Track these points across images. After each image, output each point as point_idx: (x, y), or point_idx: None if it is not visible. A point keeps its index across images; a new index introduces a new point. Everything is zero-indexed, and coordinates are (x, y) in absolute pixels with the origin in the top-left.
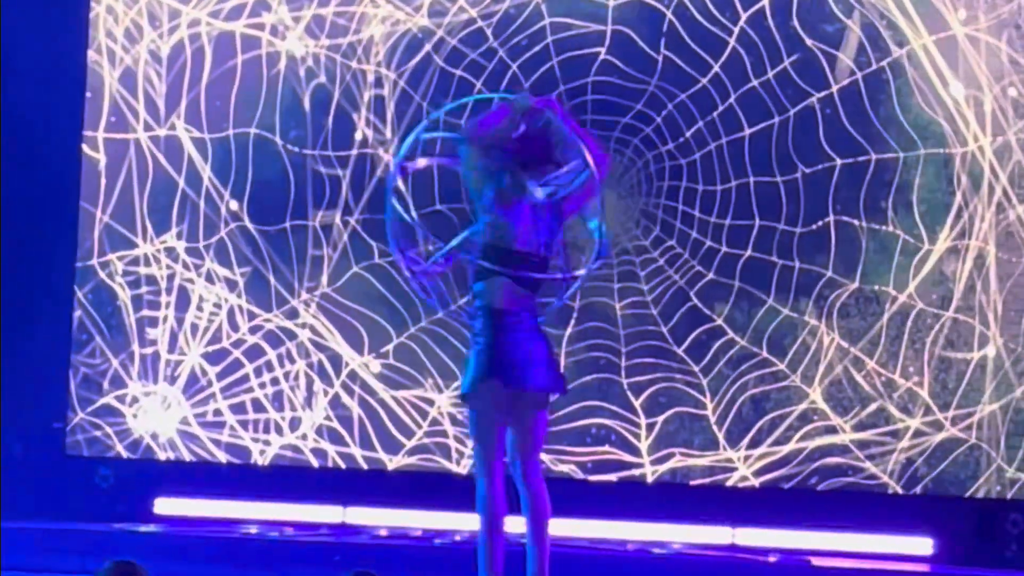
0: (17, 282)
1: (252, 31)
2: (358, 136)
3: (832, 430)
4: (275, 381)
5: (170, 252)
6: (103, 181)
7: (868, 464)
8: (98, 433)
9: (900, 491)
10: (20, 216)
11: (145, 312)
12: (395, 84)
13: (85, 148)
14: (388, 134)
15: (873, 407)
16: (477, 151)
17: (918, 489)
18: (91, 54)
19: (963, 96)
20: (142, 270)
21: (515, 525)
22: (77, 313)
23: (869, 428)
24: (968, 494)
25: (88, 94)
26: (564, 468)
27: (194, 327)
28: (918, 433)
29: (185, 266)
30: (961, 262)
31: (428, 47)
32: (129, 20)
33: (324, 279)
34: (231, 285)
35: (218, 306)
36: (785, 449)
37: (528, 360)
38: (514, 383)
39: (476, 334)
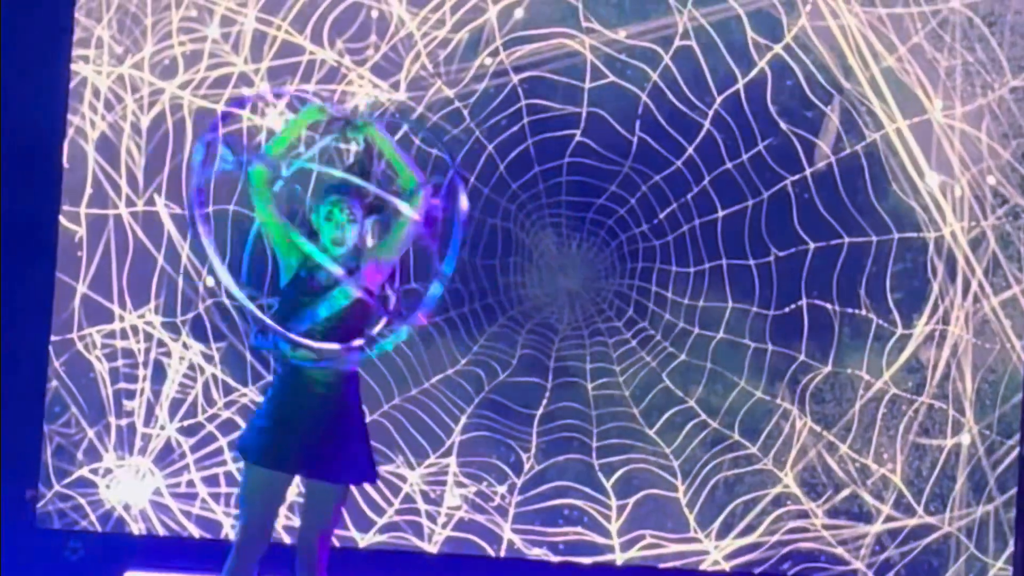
0: None
1: (232, 110)
2: None
3: (804, 515)
4: None
5: (147, 325)
6: (82, 253)
7: (840, 550)
8: (70, 504)
9: None
10: None
11: (122, 384)
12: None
13: (63, 220)
14: None
15: (846, 492)
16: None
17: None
18: (72, 122)
19: (937, 183)
20: (119, 343)
21: None
22: (52, 384)
23: (842, 514)
24: None
25: (67, 165)
26: (537, 550)
27: (171, 400)
28: (891, 519)
29: (160, 342)
30: (936, 348)
31: (405, 127)
32: (109, 91)
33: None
34: (207, 359)
35: (193, 379)
36: (757, 533)
37: None
38: None
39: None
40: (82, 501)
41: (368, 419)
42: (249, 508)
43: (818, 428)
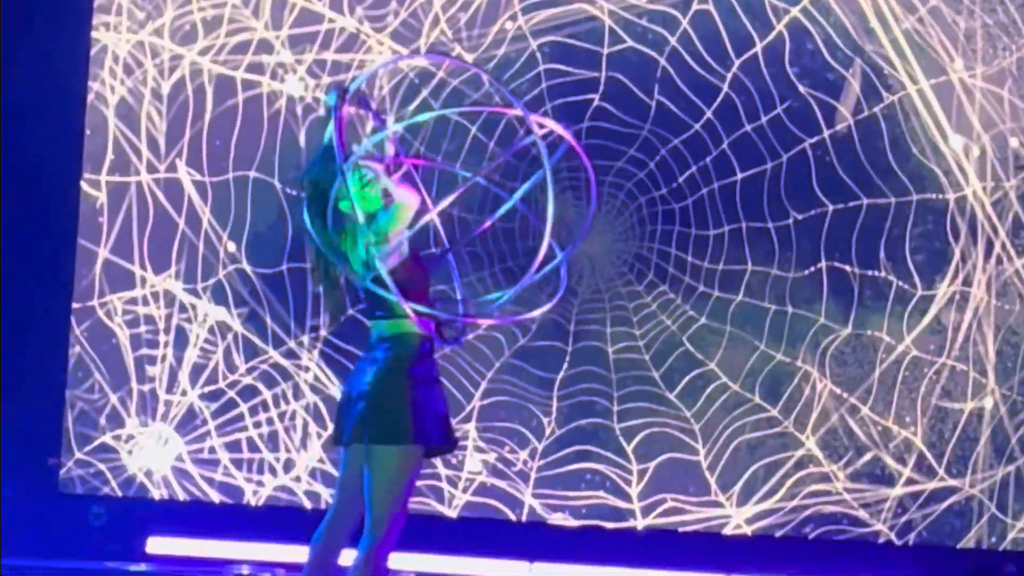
0: (13, 318)
1: (252, 76)
2: None
3: (826, 478)
4: (270, 421)
5: (167, 292)
6: (103, 219)
7: (862, 513)
8: (92, 470)
9: (894, 540)
10: (18, 250)
11: (144, 351)
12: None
13: (84, 186)
14: None
15: (869, 456)
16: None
17: (912, 539)
18: (92, 88)
19: (959, 145)
20: (140, 309)
21: None
22: (75, 350)
23: (864, 476)
24: (963, 544)
25: (88, 131)
26: (559, 514)
27: (191, 366)
28: (912, 481)
29: (182, 307)
30: (958, 310)
31: (425, 92)
32: (130, 56)
33: (320, 321)
34: (228, 325)
35: (214, 345)
36: (778, 496)
37: None
38: None
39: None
40: (104, 467)
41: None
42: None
43: (838, 391)
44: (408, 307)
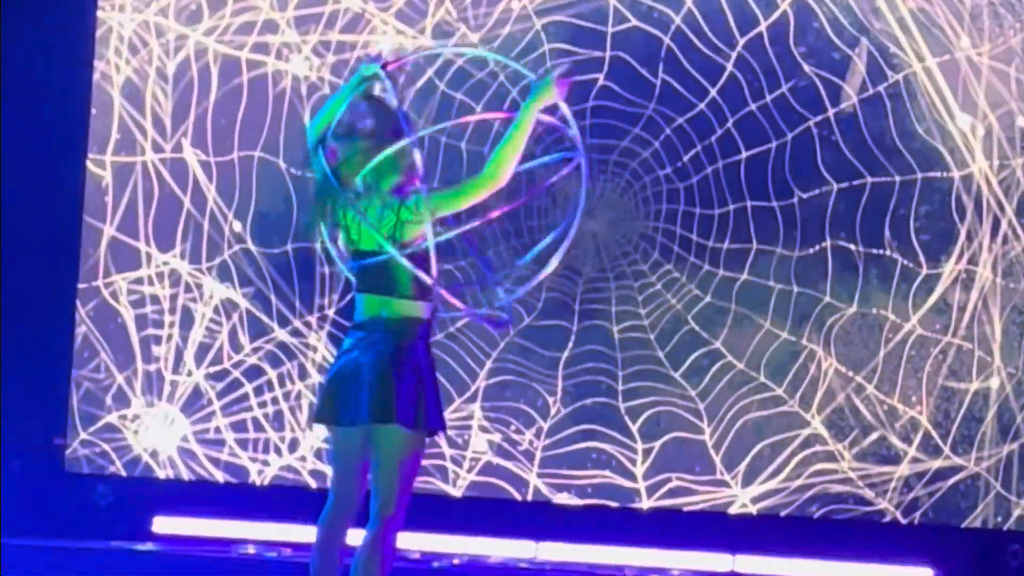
0: (18, 297)
1: (256, 56)
2: None
3: (832, 457)
4: (275, 401)
5: (173, 272)
6: (109, 199)
7: (868, 492)
8: (98, 450)
9: (900, 520)
10: (22, 230)
11: (150, 330)
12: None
13: (90, 165)
14: None
15: (875, 436)
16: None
17: (917, 518)
18: (97, 68)
19: (966, 123)
20: (146, 289)
21: None
22: (81, 330)
23: (869, 456)
24: (968, 524)
25: (93, 111)
26: (564, 494)
27: (197, 346)
28: (918, 460)
29: (187, 287)
30: (964, 290)
31: (431, 71)
32: (135, 36)
33: (327, 301)
34: (233, 305)
35: (220, 325)
36: (783, 475)
37: None
38: None
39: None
40: (110, 447)
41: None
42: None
43: (843, 369)
44: (439, 289)
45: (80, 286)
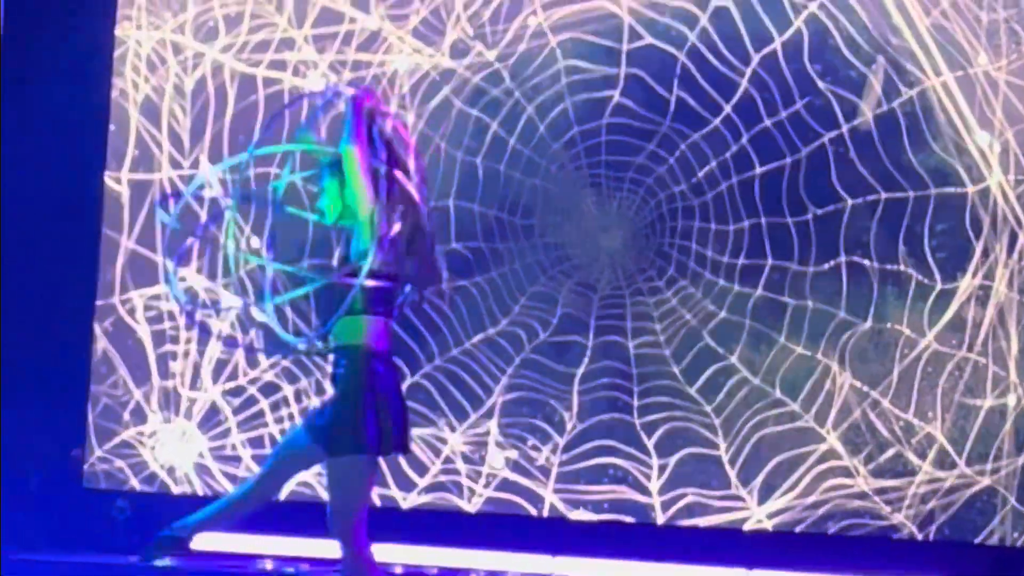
0: (37, 312)
1: (273, 72)
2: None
3: (847, 472)
4: (291, 417)
5: (190, 288)
6: (126, 214)
7: (883, 507)
8: (116, 465)
9: (916, 535)
10: (41, 246)
11: (167, 347)
12: (414, 125)
13: (108, 182)
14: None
15: (891, 452)
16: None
17: (933, 533)
18: (116, 86)
19: (982, 138)
20: (163, 305)
21: None
22: (99, 345)
23: (886, 472)
24: (984, 539)
25: (112, 127)
26: (579, 510)
27: (214, 362)
28: (934, 476)
29: (203, 305)
30: (980, 306)
31: (447, 89)
32: (153, 54)
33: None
34: (250, 321)
35: (235, 339)
36: (799, 491)
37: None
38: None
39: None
40: (128, 463)
41: (409, 380)
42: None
43: (859, 384)
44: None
45: (98, 302)
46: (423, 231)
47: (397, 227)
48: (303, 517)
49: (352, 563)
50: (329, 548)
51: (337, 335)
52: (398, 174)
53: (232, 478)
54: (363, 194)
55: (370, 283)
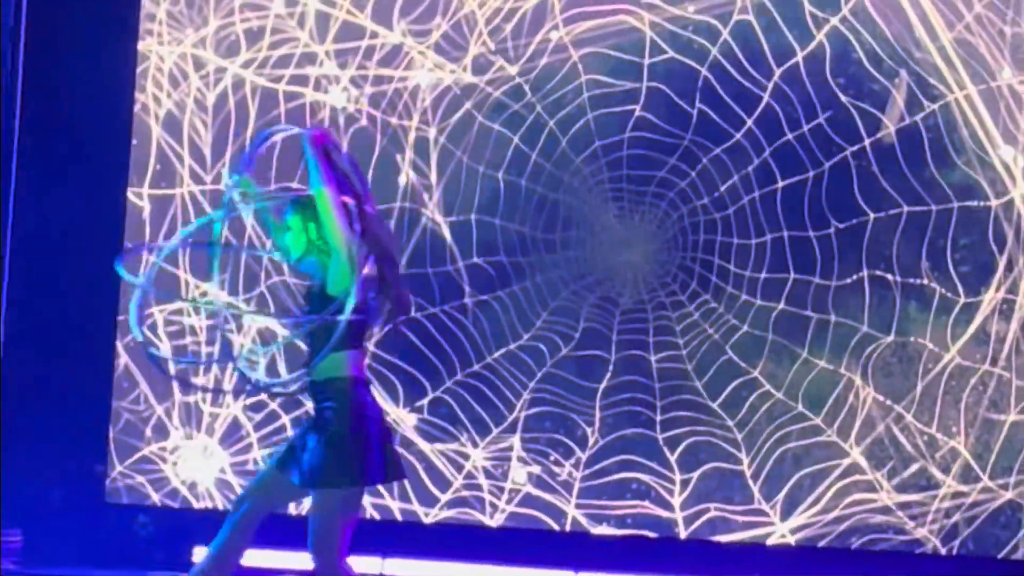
0: (59, 328)
1: (294, 87)
2: (401, 181)
3: (871, 487)
4: None
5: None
6: (148, 229)
7: (907, 522)
8: (137, 481)
9: (940, 550)
10: (64, 260)
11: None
12: (436, 139)
13: (130, 196)
14: (433, 179)
15: (915, 467)
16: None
17: (956, 547)
18: (138, 100)
19: (1006, 152)
20: (185, 320)
21: None
22: (120, 361)
23: (910, 487)
24: (1007, 554)
25: (134, 142)
26: (599, 528)
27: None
28: (959, 494)
29: (226, 318)
30: (1004, 320)
31: (469, 104)
32: (175, 68)
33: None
34: (271, 336)
35: (256, 354)
36: (822, 506)
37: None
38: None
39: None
40: (150, 478)
41: (431, 396)
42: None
43: (881, 398)
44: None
45: (119, 318)
46: (393, 261)
47: (368, 263)
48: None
49: None
50: (351, 562)
51: (322, 371)
52: (367, 208)
53: None
54: (339, 231)
55: (354, 317)
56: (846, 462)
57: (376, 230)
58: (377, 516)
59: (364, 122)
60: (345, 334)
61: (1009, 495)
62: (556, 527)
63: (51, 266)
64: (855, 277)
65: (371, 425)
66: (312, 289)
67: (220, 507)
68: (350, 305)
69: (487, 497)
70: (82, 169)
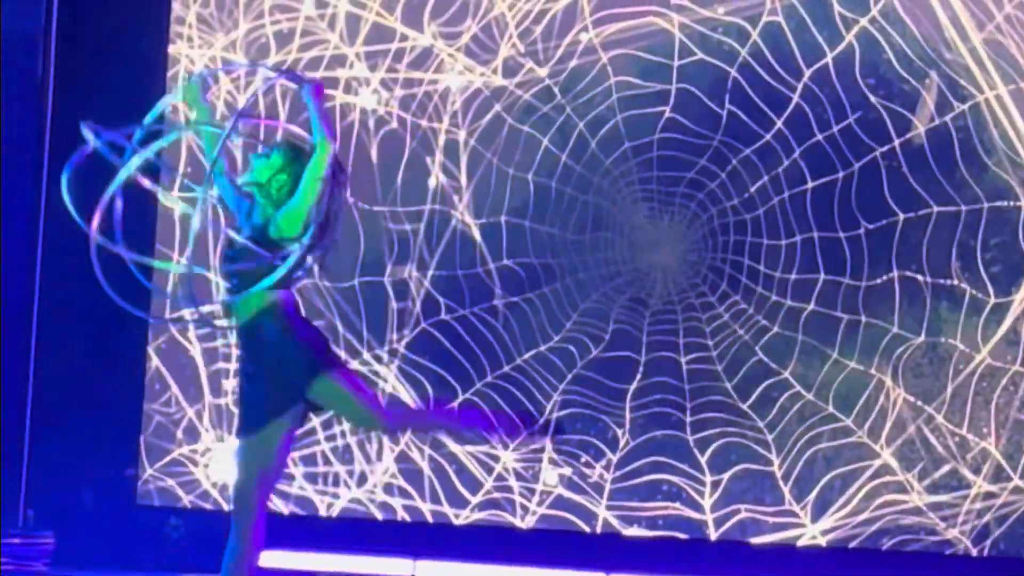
0: (90, 331)
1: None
2: (431, 183)
3: (902, 488)
4: (344, 435)
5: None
6: (178, 230)
7: (938, 523)
8: (169, 483)
9: (972, 551)
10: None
11: (220, 364)
12: (466, 142)
13: (161, 199)
14: (463, 181)
15: (946, 468)
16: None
17: (988, 548)
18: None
19: None
20: (217, 322)
21: None
22: (152, 363)
23: (940, 488)
24: None
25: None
26: (631, 529)
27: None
28: (990, 495)
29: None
30: None
31: (498, 106)
32: (205, 71)
33: (394, 335)
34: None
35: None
36: (852, 507)
37: None
38: None
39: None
40: (182, 480)
41: (461, 397)
42: None
43: (911, 398)
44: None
45: (151, 321)
46: (336, 225)
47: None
48: (355, 535)
49: (239, 545)
50: (383, 565)
51: (249, 307)
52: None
53: (284, 496)
54: (319, 186)
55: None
56: (877, 463)
57: (345, 192)
58: (408, 518)
59: (394, 124)
60: (283, 276)
61: None
62: (587, 529)
63: (82, 269)
64: (885, 278)
65: (302, 325)
66: (242, 232)
67: None
68: (296, 254)
69: (518, 499)
70: (113, 173)
